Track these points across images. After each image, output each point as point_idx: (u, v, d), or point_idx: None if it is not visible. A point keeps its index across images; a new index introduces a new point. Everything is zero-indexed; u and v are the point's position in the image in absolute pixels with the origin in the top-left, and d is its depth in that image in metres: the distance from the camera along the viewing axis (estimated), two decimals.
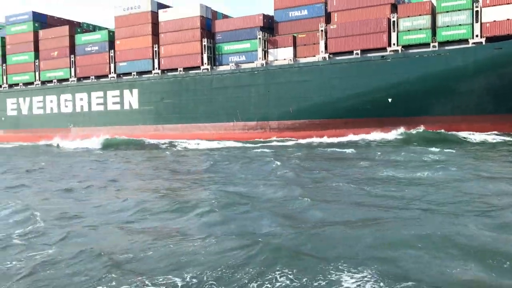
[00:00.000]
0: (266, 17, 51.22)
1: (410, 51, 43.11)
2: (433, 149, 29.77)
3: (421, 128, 40.61)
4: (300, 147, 38.62)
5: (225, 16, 57.70)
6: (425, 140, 37.08)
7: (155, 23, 56.06)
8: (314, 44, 47.66)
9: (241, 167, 25.22)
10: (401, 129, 41.54)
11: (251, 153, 33.87)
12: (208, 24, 54.05)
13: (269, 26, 51.38)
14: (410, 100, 42.59)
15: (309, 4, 48.66)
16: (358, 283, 7.69)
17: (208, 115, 52.52)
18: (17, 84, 67.35)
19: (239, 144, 44.05)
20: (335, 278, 7.91)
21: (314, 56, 47.25)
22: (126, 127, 57.46)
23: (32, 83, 65.93)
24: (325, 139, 43.51)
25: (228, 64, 52.13)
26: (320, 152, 32.95)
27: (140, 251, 9.89)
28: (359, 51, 45.06)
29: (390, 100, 43.43)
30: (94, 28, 69.83)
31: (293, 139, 46.36)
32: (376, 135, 42.16)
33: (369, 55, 44.91)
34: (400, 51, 43.29)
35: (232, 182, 19.62)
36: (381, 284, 7.59)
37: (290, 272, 8.18)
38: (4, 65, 67.95)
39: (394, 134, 41.62)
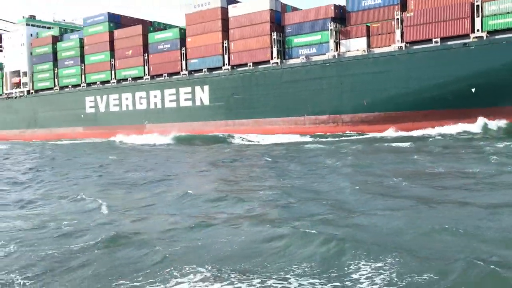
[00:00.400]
0: (337, 8, 49.79)
1: (497, 37, 40.08)
2: None
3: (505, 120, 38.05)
4: (378, 141, 37.13)
5: (294, 9, 56.82)
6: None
7: (225, 19, 56.35)
8: (389, 33, 45.70)
9: (311, 162, 24.48)
10: (485, 120, 38.96)
11: (323, 148, 32.99)
12: (277, 18, 53.47)
13: (341, 16, 49.90)
14: (495, 89, 39.68)
15: None
16: None
17: (278, 110, 52.07)
18: (94, 83, 70.52)
19: (309, 139, 43.31)
20: None
21: (390, 46, 45.30)
22: (198, 123, 58.39)
23: (108, 82, 68.75)
24: (403, 133, 41.65)
25: (298, 57, 51.32)
26: (401, 147, 31.38)
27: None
28: (438, 39, 42.61)
29: (473, 90, 40.71)
30: (165, 27, 71.50)
31: (366, 133, 44.90)
32: (457, 127, 39.79)
33: (449, 43, 42.33)
34: (485, 37, 40.38)
35: (299, 177, 19.06)
36: None
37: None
38: (83, 65, 71.38)
39: (478, 126, 39.09)
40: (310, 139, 43.60)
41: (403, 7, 45.53)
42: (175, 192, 16.67)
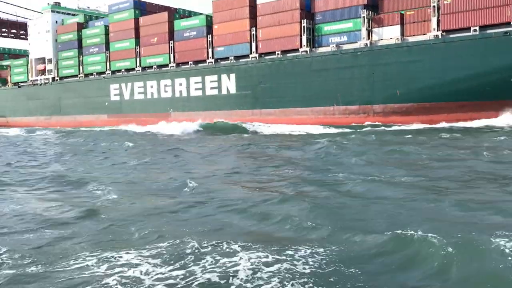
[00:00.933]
0: None
1: None
2: None
3: None
4: (433, 133, 35.30)
5: None
6: None
7: (252, 6, 55.30)
8: (424, 21, 44.22)
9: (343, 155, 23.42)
10: None
11: (359, 139, 31.87)
12: (307, 5, 52.21)
13: (373, 3, 48.41)
14: None
15: None
16: None
17: (306, 99, 51.05)
18: (119, 71, 70.29)
19: (341, 129, 42.16)
20: None
21: (425, 34, 43.81)
22: (224, 112, 57.71)
23: (133, 69, 68.43)
24: (442, 124, 40.19)
25: (329, 46, 50.12)
26: (444, 141, 30.13)
27: None
28: (477, 28, 41.00)
29: None
30: (189, 14, 70.78)
31: (399, 125, 43.61)
32: (498, 120, 38.34)
33: (489, 31, 40.69)
34: None
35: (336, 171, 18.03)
36: None
37: None
38: (108, 52, 71.17)
39: None
40: (349, 130, 41.93)
41: None
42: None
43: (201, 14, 66.60)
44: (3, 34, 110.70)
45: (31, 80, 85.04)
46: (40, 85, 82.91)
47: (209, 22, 59.80)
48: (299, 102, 51.54)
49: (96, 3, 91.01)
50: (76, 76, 76.29)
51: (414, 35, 44.72)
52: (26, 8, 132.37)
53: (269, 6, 53.39)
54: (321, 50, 50.61)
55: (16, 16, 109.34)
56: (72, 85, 77.12)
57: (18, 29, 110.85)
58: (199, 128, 50.02)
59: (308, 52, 50.89)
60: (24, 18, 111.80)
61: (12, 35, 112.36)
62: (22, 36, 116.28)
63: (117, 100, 70.70)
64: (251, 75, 55.38)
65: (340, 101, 48.65)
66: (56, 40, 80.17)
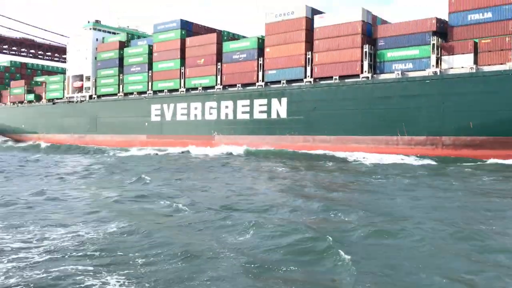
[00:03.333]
0: (438, 21, 46.26)
1: None
2: None
3: None
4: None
5: (384, 22, 53.60)
6: None
7: (308, 30, 53.59)
8: (502, 50, 41.81)
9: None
10: None
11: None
12: (368, 30, 50.36)
13: (441, 31, 46.34)
14: None
15: (494, 5, 42.95)
16: None
17: (366, 127, 48.56)
18: (161, 91, 68.73)
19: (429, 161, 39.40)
20: None
21: (504, 64, 41.35)
22: (272, 137, 55.45)
23: (176, 90, 66.80)
24: None
25: (391, 72, 47.93)
26: None
27: None
28: None
29: None
30: (237, 37, 69.39)
31: (472, 158, 40.88)
32: None
33: None
34: None
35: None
36: None
37: None
38: (150, 72, 69.80)
39: None
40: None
41: None
42: None
43: (245, 37, 65.34)
44: (39, 56, 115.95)
45: (66, 97, 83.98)
46: (76, 102, 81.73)
47: (260, 45, 58.20)
48: (358, 130, 49.07)
49: (135, 22, 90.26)
50: (115, 94, 74.95)
51: (489, 64, 42.28)
52: (57, 34, 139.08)
53: (327, 30, 51.59)
54: (383, 76, 48.38)
55: (50, 41, 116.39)
56: (110, 104, 75.72)
57: (54, 52, 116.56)
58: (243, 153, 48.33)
59: (370, 78, 48.66)
60: (59, 43, 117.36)
61: (48, 57, 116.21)
62: (56, 59, 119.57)
63: (158, 121, 68.88)
64: (305, 100, 53.21)
65: (404, 131, 46.04)
66: (95, 58, 79.34)
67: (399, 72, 46.96)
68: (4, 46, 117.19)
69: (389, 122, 47.00)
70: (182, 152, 56.43)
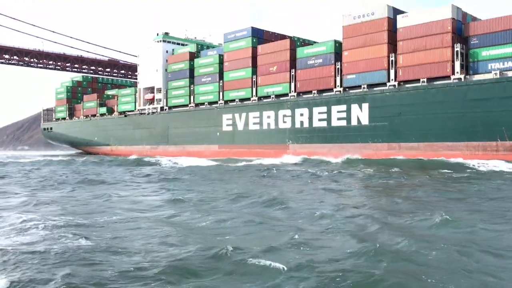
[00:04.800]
0: None
1: None
2: None
3: None
4: None
5: (474, 19, 49.69)
6: None
7: (391, 31, 50.65)
8: None
9: None
10: None
11: None
12: (458, 28, 46.74)
13: None
14: None
15: None
16: None
17: (460, 132, 44.78)
18: (233, 100, 67.87)
19: None
20: None
21: None
22: (353, 145, 52.68)
23: (247, 99, 65.65)
24: None
25: (487, 72, 44.01)
26: None
27: None
28: None
29: None
30: (309, 42, 67.40)
31: None
32: None
33: None
34: None
35: None
36: None
37: None
38: (221, 81, 69.22)
39: None
40: None
41: None
42: None
43: (316, 42, 63.16)
44: (114, 74, 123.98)
45: (138, 109, 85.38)
46: (147, 114, 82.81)
47: (337, 49, 55.83)
48: (450, 135, 45.36)
49: (202, 33, 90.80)
50: (186, 105, 75.07)
51: None
52: (125, 53, 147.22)
53: (413, 30, 48.41)
54: (478, 77, 44.52)
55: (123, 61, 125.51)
56: (182, 115, 75.90)
57: (127, 70, 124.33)
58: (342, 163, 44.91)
59: (463, 80, 44.94)
60: (126, 61, 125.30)
61: (122, 75, 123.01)
62: (129, 76, 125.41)
63: (230, 131, 67.96)
64: (388, 105, 50.15)
65: (505, 136, 41.90)
66: (166, 70, 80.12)
67: (497, 72, 42.95)
68: (84, 66, 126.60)
69: (487, 127, 43.01)
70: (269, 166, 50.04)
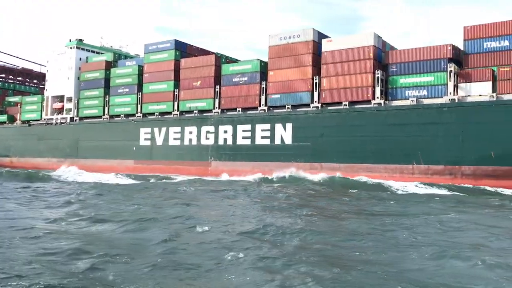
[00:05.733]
0: (454, 48, 45.46)
1: None
2: None
3: None
4: None
5: (392, 48, 52.65)
6: None
7: (315, 54, 51.95)
8: None
9: None
10: None
11: None
12: (379, 55, 49.14)
13: (456, 58, 45.57)
14: None
15: (511, 34, 42.49)
16: None
17: (379, 155, 46.66)
18: (151, 114, 65.20)
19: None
20: None
21: None
22: (276, 164, 52.67)
23: (168, 113, 63.45)
24: None
25: (404, 99, 46.62)
26: None
27: None
28: None
29: None
30: (229, 59, 67.08)
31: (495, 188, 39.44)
32: None
33: None
34: None
35: None
36: None
37: None
38: (140, 93, 66.31)
39: None
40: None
41: None
42: None
43: (239, 60, 63.19)
44: (26, 84, 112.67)
45: (44, 119, 78.98)
46: (55, 124, 76.82)
47: (262, 68, 56.07)
48: (370, 157, 47.11)
49: (119, 43, 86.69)
50: (100, 117, 70.79)
51: (509, 93, 41.43)
52: (28, 61, 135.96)
53: (336, 55, 50.03)
54: (397, 103, 46.94)
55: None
56: (94, 126, 71.40)
57: (41, 80, 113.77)
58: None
59: (383, 105, 47.11)
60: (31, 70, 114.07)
61: (34, 85, 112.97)
62: (33, 85, 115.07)
63: (147, 145, 65.02)
64: (311, 126, 51.05)
65: (421, 160, 44.37)
66: (78, 78, 75.20)
67: (414, 99, 45.59)
68: None
69: (404, 150, 45.28)
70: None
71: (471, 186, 40.67)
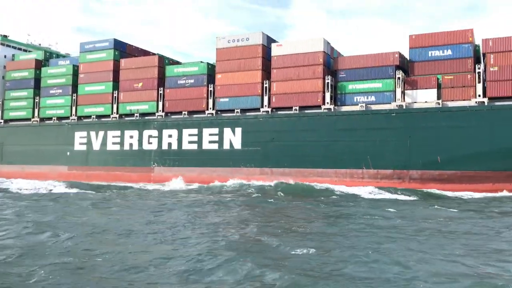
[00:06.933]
0: (401, 56, 46.83)
1: None
2: None
3: None
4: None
5: (339, 54, 53.36)
6: None
7: (264, 58, 51.40)
8: (464, 86, 43.15)
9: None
10: None
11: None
12: (328, 61, 49.55)
13: (402, 66, 47.00)
14: None
15: (454, 43, 44.53)
16: None
17: (329, 160, 46.89)
18: (88, 116, 61.21)
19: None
20: None
21: (468, 99, 42.57)
22: (224, 169, 51.38)
23: (106, 116, 59.89)
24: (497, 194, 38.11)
25: (353, 105, 47.28)
26: None
27: None
28: None
29: None
30: (172, 61, 64.79)
31: (439, 191, 41.00)
32: None
33: None
34: None
35: None
36: None
37: None
38: (75, 95, 62.05)
39: None
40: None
41: (477, 61, 43.64)
42: None
43: (180, 63, 61.23)
44: None
45: None
46: None
47: (210, 71, 54.59)
48: (321, 162, 47.19)
49: (47, 40, 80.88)
50: (29, 119, 65.35)
51: (453, 100, 43.31)
52: None
53: (286, 59, 49.79)
54: (346, 108, 47.47)
55: None
56: (22, 130, 65.79)
57: None
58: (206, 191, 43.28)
59: (332, 110, 47.44)
60: None
61: None
62: None
63: (83, 150, 60.88)
64: (262, 130, 50.34)
65: (370, 164, 45.11)
66: (3, 77, 69.09)
67: (363, 105, 46.34)
68: None
69: (354, 155, 45.83)
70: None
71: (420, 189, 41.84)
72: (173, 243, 17.18)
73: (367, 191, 39.93)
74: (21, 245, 16.71)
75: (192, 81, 54.95)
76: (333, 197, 37.88)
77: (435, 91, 44.20)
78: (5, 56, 70.50)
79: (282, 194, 39.93)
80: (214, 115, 53.17)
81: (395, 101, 45.28)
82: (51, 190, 44.16)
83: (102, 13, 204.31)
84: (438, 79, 44.44)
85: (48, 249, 16.04)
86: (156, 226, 21.16)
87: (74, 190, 44.02)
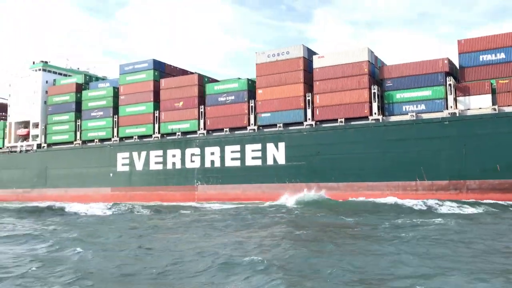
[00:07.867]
0: (450, 62, 45.17)
1: None
2: None
3: None
4: None
5: (383, 63, 51.99)
6: None
7: (306, 70, 50.53)
8: None
9: None
10: None
11: None
12: (373, 70, 48.25)
13: (452, 72, 45.28)
14: None
15: (507, 46, 42.65)
16: None
17: (380, 172, 45.23)
18: (130, 137, 61.46)
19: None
20: None
21: None
22: (269, 185, 50.35)
23: (148, 136, 59.98)
24: None
25: (401, 114, 45.71)
26: None
27: None
28: None
29: None
30: (211, 79, 64.65)
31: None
32: None
33: None
34: None
35: None
36: None
37: None
38: (116, 116, 62.51)
39: None
40: None
41: None
42: None
43: (218, 80, 60.92)
44: None
45: (7, 147, 73.26)
46: (20, 152, 71.30)
47: (250, 86, 54.05)
48: (371, 175, 45.57)
49: (86, 64, 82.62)
50: (71, 142, 66.19)
51: (510, 105, 41.22)
52: None
53: (329, 71, 48.78)
54: (395, 118, 45.89)
55: None
56: (65, 153, 66.61)
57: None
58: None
59: (381, 120, 45.94)
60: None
61: None
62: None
63: (126, 171, 61.00)
64: (306, 144, 49.19)
65: (424, 176, 43.21)
66: (45, 102, 70.45)
67: (414, 114, 44.69)
68: None
69: (406, 166, 44.07)
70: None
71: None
72: None
73: (433, 204, 37.04)
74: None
75: (232, 97, 54.51)
76: (406, 213, 33.75)
77: (489, 96, 42.25)
78: (46, 82, 71.96)
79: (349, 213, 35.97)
80: (256, 130, 52.44)
81: (446, 108, 43.52)
82: (111, 213, 41.51)
83: (127, 35, 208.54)
84: (492, 84, 42.50)
85: None
86: None
87: (145, 211, 41.34)
